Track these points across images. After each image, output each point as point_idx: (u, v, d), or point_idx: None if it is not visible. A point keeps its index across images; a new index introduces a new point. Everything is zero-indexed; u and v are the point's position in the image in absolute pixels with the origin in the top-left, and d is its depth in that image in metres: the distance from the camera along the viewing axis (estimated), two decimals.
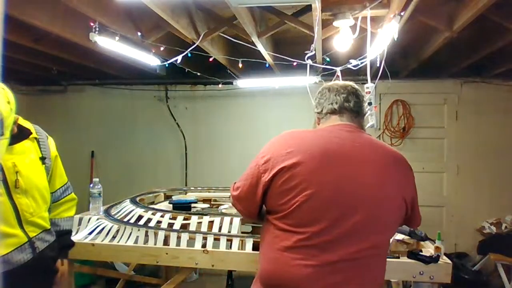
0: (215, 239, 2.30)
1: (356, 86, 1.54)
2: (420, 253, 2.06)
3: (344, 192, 1.29)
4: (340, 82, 1.55)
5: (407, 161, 1.43)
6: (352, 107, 1.46)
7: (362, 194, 1.30)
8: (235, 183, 1.51)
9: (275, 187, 1.33)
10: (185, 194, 3.66)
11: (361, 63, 2.82)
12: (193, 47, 2.90)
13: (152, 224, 2.48)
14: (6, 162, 1.35)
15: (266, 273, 1.38)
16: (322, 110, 1.49)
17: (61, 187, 1.68)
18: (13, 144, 1.38)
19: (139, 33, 3.05)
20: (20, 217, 1.37)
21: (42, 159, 1.47)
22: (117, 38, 2.86)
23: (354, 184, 1.30)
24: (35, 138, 1.48)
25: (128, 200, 2.93)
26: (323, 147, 1.33)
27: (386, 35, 2.46)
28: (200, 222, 2.44)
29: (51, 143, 1.57)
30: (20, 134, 1.43)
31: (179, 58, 2.99)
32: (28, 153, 1.44)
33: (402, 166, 1.41)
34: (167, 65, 3.47)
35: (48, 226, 1.51)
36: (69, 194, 1.72)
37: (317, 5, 2.02)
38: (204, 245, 2.28)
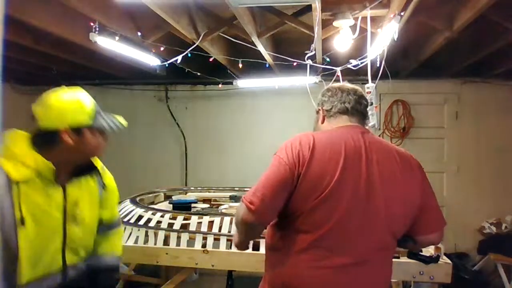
0: (215, 239, 2.31)
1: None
2: (420, 253, 2.06)
3: (358, 192, 1.29)
4: (348, 84, 1.54)
5: (417, 162, 1.42)
6: (362, 110, 1.48)
7: (374, 194, 1.29)
8: (243, 199, 1.30)
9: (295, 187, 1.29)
10: (185, 194, 3.67)
11: (361, 63, 2.82)
12: (193, 47, 2.90)
13: (152, 224, 2.48)
14: (72, 193, 1.40)
15: (277, 276, 1.36)
16: (331, 108, 1.47)
17: (111, 222, 1.63)
18: (83, 175, 1.44)
19: (139, 33, 3.05)
20: (65, 244, 1.40)
21: (99, 193, 1.51)
22: (117, 38, 2.86)
23: (367, 184, 1.29)
24: (99, 173, 1.53)
25: (128, 200, 2.93)
26: (340, 148, 1.31)
27: (386, 35, 2.46)
28: (200, 222, 2.44)
29: (107, 176, 1.61)
30: (91, 167, 1.48)
31: (179, 58, 3.00)
32: (90, 189, 1.49)
33: (413, 166, 1.40)
34: (167, 65, 3.47)
35: (86, 255, 1.51)
36: (115, 227, 1.66)
37: (317, 5, 2.02)
38: (204, 245, 2.28)
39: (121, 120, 1.47)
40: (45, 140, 1.33)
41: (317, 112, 1.56)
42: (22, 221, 1.23)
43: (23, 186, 1.25)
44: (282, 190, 1.27)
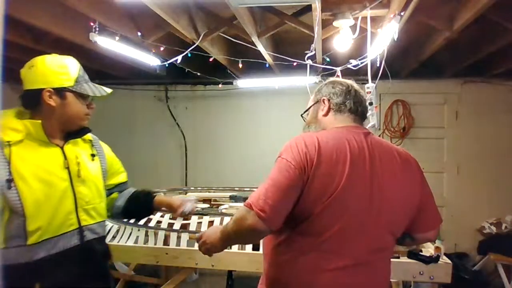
0: None
1: None
2: (420, 253, 2.06)
3: (363, 193, 1.27)
4: (356, 84, 1.52)
5: (416, 161, 1.42)
6: (365, 113, 1.49)
7: (377, 195, 1.28)
8: (252, 206, 1.21)
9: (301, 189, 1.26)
10: (185, 194, 3.67)
11: (361, 63, 2.82)
12: (193, 47, 2.90)
13: (152, 224, 2.48)
14: (70, 153, 1.45)
15: (277, 278, 1.35)
16: (342, 104, 1.43)
17: (124, 182, 1.80)
18: (77, 137, 1.51)
19: (139, 33, 3.05)
20: (77, 204, 1.44)
21: (92, 155, 1.57)
22: (117, 38, 2.86)
23: (370, 185, 1.28)
24: (90, 140, 1.61)
25: None
26: (345, 149, 1.29)
27: (386, 35, 2.46)
28: (200, 222, 2.44)
29: (103, 144, 1.71)
30: (84, 130, 1.54)
31: (179, 58, 3.00)
32: (85, 149, 1.56)
33: (412, 166, 1.40)
34: (167, 65, 3.47)
35: (100, 219, 1.55)
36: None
37: (317, 5, 2.02)
38: None
39: (106, 89, 1.51)
40: (28, 100, 1.39)
41: (319, 102, 1.49)
42: (11, 181, 1.26)
43: (16, 147, 1.30)
44: (292, 195, 1.23)
